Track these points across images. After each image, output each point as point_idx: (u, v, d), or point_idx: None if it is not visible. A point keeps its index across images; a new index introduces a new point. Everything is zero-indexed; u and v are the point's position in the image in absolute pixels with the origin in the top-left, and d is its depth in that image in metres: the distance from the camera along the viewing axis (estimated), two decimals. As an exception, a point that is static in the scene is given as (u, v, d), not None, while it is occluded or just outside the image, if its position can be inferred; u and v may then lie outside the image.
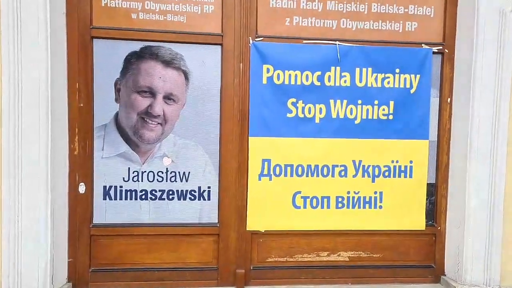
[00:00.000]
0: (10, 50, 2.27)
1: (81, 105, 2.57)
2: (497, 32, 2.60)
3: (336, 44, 2.71)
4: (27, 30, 2.28)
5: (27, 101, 2.30)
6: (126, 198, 2.66)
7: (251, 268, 2.79)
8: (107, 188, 2.64)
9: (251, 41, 2.66)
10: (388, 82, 2.77)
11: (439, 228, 2.91)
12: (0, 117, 2.29)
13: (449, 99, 2.84)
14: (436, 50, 2.79)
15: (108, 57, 2.58)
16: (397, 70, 2.76)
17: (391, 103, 2.78)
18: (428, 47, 2.78)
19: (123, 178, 2.65)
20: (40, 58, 2.30)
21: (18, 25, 2.27)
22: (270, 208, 2.75)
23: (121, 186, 2.65)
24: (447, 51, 2.81)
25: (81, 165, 2.59)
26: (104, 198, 2.65)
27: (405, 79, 2.77)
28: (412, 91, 2.78)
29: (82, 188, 2.60)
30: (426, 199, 2.88)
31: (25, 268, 2.35)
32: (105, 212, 2.65)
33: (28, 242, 2.34)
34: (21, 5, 2.27)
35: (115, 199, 2.65)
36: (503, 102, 2.63)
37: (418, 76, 2.78)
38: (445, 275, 2.92)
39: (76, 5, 2.52)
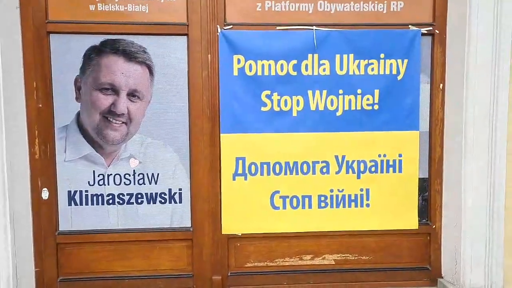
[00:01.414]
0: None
1: (40, 105, 2.41)
2: (492, 7, 2.32)
3: (313, 29, 2.47)
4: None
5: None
6: (92, 203, 2.51)
7: (229, 274, 2.60)
8: (72, 193, 2.49)
9: (219, 30, 2.45)
10: (372, 69, 2.52)
11: (433, 226, 2.67)
12: (-51, 122, 2.16)
13: (441, 85, 2.57)
14: (426, 32, 2.51)
15: (67, 53, 2.41)
16: (382, 55, 2.51)
17: (376, 91, 2.53)
18: (416, 28, 2.51)
19: (88, 182, 2.49)
20: (-12, 56, 2.16)
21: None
22: (246, 210, 2.56)
23: (86, 191, 2.50)
24: (437, 32, 2.53)
25: (43, 170, 2.44)
26: (69, 204, 2.50)
27: (391, 64, 2.52)
28: (399, 77, 2.53)
29: (45, 194, 2.46)
30: (419, 195, 2.64)
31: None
32: (71, 219, 2.51)
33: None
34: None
35: (81, 204, 2.50)
36: (501, 88, 2.36)
37: (405, 61, 2.51)
38: (442, 278, 2.68)
39: (29, -2, 2.35)
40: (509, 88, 2.36)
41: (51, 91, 2.43)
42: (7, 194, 2.26)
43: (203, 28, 2.45)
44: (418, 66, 2.53)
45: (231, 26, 2.46)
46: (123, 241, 2.53)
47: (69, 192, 2.49)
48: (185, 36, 2.46)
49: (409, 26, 2.52)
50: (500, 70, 2.35)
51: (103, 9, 2.42)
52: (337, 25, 2.50)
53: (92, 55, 2.43)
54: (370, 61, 2.51)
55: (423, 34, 2.51)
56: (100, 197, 2.51)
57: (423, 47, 2.53)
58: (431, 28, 2.53)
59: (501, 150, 2.40)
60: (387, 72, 2.52)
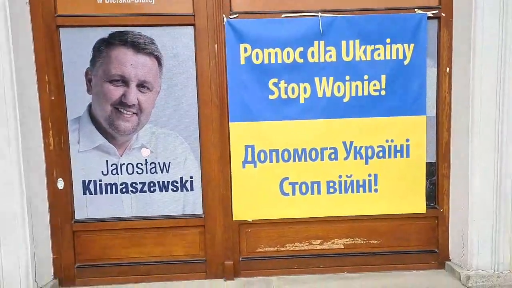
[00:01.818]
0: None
1: (53, 98, 2.47)
2: (499, -12, 2.30)
3: (318, 15, 2.48)
4: (-14, 22, 2.18)
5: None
6: (106, 192, 2.58)
7: (240, 259, 2.67)
8: (86, 183, 2.57)
9: (225, 19, 2.47)
10: (379, 54, 2.52)
11: (441, 210, 2.69)
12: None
13: (447, 69, 2.57)
14: (432, 15, 2.51)
15: (77, 46, 2.46)
16: (388, 40, 2.51)
17: (383, 77, 2.54)
18: (423, 12, 2.50)
19: (102, 171, 2.56)
20: (2, 51, 2.20)
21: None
22: (256, 197, 2.61)
23: (100, 180, 2.57)
24: (444, 15, 2.52)
25: (57, 161, 2.51)
26: (84, 193, 2.58)
27: (397, 49, 2.52)
28: (405, 62, 2.53)
29: (60, 184, 2.53)
30: (426, 179, 2.66)
31: (6, 268, 2.31)
32: (86, 207, 2.59)
33: (5, 242, 2.30)
34: (-23, -5, 2.16)
35: (95, 193, 2.58)
36: (508, 70, 2.35)
37: (412, 45, 2.52)
38: (450, 261, 2.72)
39: (39, -7, 2.39)
40: (516, 70, 2.36)
41: (62, 84, 2.49)
42: (24, 185, 2.32)
43: (209, 18, 2.47)
44: (425, 51, 2.53)
45: (237, 15, 2.48)
46: (137, 228, 2.61)
47: (84, 181, 2.56)
48: (192, 26, 2.49)
49: (415, 9, 2.51)
50: (507, 50, 2.34)
51: (110, 2, 2.45)
52: (342, 11, 2.50)
53: (102, 48, 2.47)
54: (376, 46, 2.52)
55: (429, 18, 2.51)
56: (113, 186, 2.58)
57: (429, 31, 2.53)
58: (437, 11, 2.52)
59: (508, 133, 2.40)
60: (394, 57, 2.53)
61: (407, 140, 2.61)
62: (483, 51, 2.36)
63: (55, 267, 2.58)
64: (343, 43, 2.51)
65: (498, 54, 2.35)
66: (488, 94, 2.40)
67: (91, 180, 2.57)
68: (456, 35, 2.52)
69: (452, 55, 2.55)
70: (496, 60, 2.36)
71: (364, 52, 2.52)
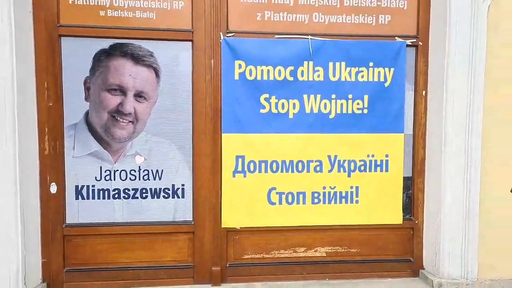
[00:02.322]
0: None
1: (50, 104, 2.54)
2: (469, 23, 2.58)
3: (308, 38, 2.68)
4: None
5: (-9, 101, 2.28)
6: (98, 198, 2.64)
7: (227, 265, 2.77)
8: (79, 188, 2.62)
9: (222, 37, 2.63)
10: (362, 76, 2.75)
11: (416, 221, 2.90)
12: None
13: (423, 92, 2.82)
14: (410, 43, 2.77)
15: (77, 55, 2.56)
16: (371, 64, 2.74)
17: (366, 97, 2.76)
18: (402, 40, 2.75)
19: (95, 177, 2.63)
20: (4, 56, 2.27)
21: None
22: (245, 205, 2.74)
23: (93, 186, 2.63)
24: (421, 44, 2.79)
25: (52, 165, 2.57)
26: (77, 198, 2.63)
27: (379, 72, 2.75)
28: (386, 84, 2.76)
29: (53, 188, 2.58)
30: (403, 193, 2.87)
31: (-5, 270, 2.33)
32: (78, 212, 2.64)
33: (-2, 243, 2.33)
34: (-17, 3, 2.24)
35: (88, 198, 2.63)
36: (476, 96, 2.61)
37: (392, 69, 2.76)
38: (423, 269, 2.91)
39: (43, 3, 2.48)
40: (483, 95, 2.62)
41: (61, 91, 2.56)
42: (18, 188, 2.36)
43: (207, 35, 2.63)
44: (404, 75, 2.78)
45: (233, 33, 2.65)
46: (128, 234, 2.67)
47: (77, 186, 2.62)
48: (190, 42, 2.63)
49: (396, 38, 2.76)
50: (475, 77, 2.60)
51: (113, 15, 2.57)
52: (331, 35, 2.72)
53: (102, 58, 2.57)
54: (360, 68, 2.74)
55: (408, 46, 2.76)
56: (106, 191, 2.64)
57: (408, 57, 2.78)
58: (415, 40, 2.78)
59: (476, 152, 2.65)
60: (376, 79, 2.75)
61: (387, 156, 2.82)
62: (454, 78, 2.62)
63: (44, 271, 2.60)
64: (331, 64, 2.71)
65: (468, 81, 2.61)
66: (458, 117, 2.64)
67: (84, 185, 2.63)
68: (431, 62, 2.78)
69: (428, 80, 2.81)
70: (466, 86, 2.61)
71: (349, 73, 2.73)
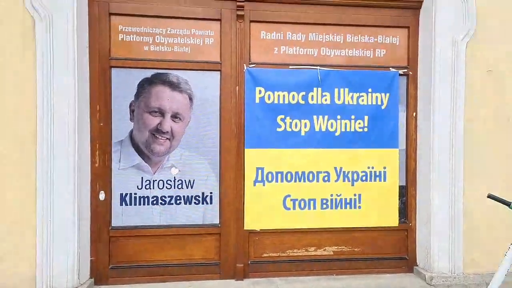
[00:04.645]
0: (44, 78, 2.71)
1: (101, 124, 3.00)
2: (450, 57, 3.11)
3: (317, 68, 3.20)
4: (59, 61, 2.72)
5: (58, 121, 2.73)
6: (139, 204, 3.08)
7: (249, 262, 3.20)
8: (124, 195, 3.06)
9: (245, 68, 3.13)
10: (362, 100, 3.25)
11: (410, 224, 3.37)
12: (36, 135, 2.71)
13: (414, 114, 3.34)
14: (402, 73, 3.30)
15: (124, 83, 3.03)
16: (370, 90, 3.25)
17: (366, 117, 3.26)
18: (395, 70, 3.28)
19: (137, 186, 3.07)
20: (69, 84, 2.75)
21: (51, 58, 2.71)
22: (264, 210, 3.19)
23: (135, 193, 3.07)
24: (411, 73, 3.32)
25: (101, 176, 3.01)
26: (121, 204, 3.06)
27: (376, 97, 3.26)
28: (383, 107, 3.27)
29: (102, 196, 3.01)
30: (399, 199, 3.34)
31: (57, 266, 2.73)
32: (122, 216, 3.07)
33: (59, 244, 2.74)
34: (53, 42, 2.72)
35: (130, 204, 3.07)
36: (458, 115, 3.12)
37: (387, 94, 3.27)
38: (417, 265, 3.36)
39: (97, 39, 2.97)
40: (463, 115, 3.11)
41: (110, 112, 3.03)
42: (77, 196, 2.80)
43: (233, 66, 3.13)
44: (397, 99, 3.29)
45: (254, 64, 3.16)
46: (164, 235, 3.10)
47: (121, 194, 3.06)
48: (219, 72, 3.13)
49: (390, 68, 3.28)
50: (457, 100, 3.11)
51: (155, 50, 3.07)
52: (336, 66, 3.24)
53: (145, 85, 3.05)
54: (361, 93, 3.25)
55: (400, 75, 3.29)
56: (146, 198, 3.08)
57: (400, 84, 3.31)
58: (406, 70, 3.31)
59: (459, 164, 3.14)
60: (374, 102, 3.26)
61: (384, 168, 3.30)
62: (439, 102, 3.13)
63: (92, 268, 3.01)
64: (336, 90, 3.22)
65: (450, 104, 3.12)
66: (443, 134, 3.13)
67: (127, 193, 3.07)
68: (420, 89, 3.30)
69: (417, 103, 3.32)
70: (449, 109, 3.12)
71: (352, 98, 3.24)
